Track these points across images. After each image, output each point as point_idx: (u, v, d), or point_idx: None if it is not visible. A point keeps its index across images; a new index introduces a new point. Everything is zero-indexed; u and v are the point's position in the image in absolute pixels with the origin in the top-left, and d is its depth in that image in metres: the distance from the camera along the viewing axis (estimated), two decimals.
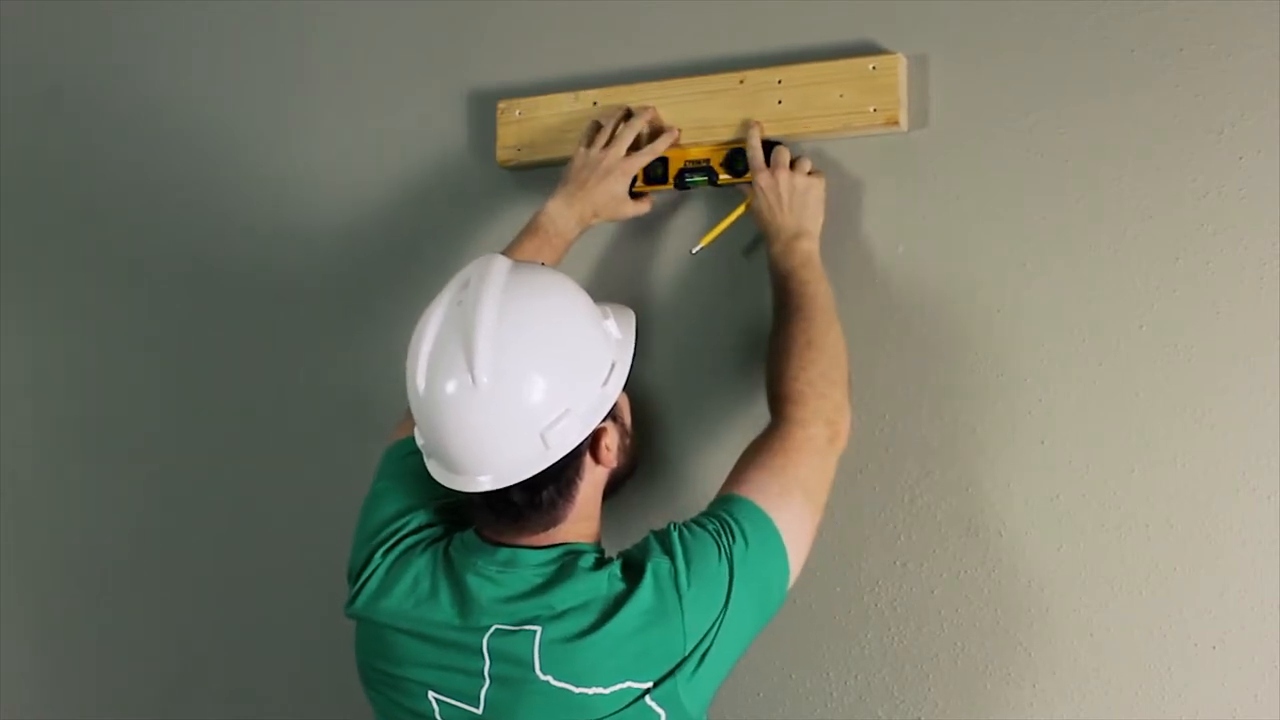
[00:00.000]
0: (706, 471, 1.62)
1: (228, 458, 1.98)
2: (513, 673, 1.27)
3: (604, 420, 1.30)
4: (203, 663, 2.00)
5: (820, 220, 1.55)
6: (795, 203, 1.53)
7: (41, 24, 2.15)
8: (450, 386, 1.25)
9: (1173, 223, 1.45)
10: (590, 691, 1.24)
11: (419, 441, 1.33)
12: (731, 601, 1.27)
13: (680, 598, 1.25)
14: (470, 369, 1.23)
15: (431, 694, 1.31)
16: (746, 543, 1.29)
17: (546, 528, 1.31)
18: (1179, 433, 1.44)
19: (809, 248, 1.52)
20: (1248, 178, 1.42)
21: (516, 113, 1.74)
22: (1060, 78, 1.50)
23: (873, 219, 1.57)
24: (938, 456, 1.53)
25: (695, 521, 1.31)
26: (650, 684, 1.25)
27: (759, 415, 1.61)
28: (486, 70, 1.81)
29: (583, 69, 1.73)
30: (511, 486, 1.27)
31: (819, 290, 1.48)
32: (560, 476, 1.28)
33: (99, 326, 2.08)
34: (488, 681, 1.28)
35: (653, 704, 1.25)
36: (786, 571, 1.32)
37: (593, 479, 1.32)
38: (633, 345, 1.35)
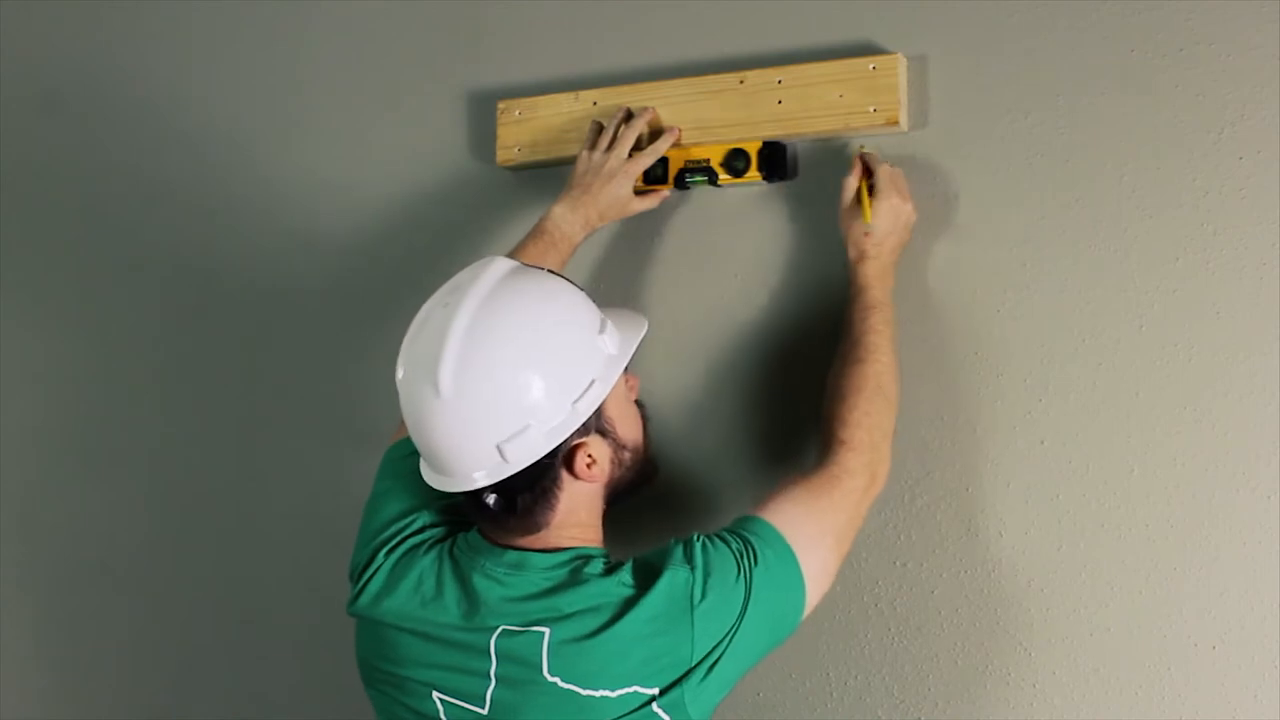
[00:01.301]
0: (706, 475, 1.62)
1: (228, 459, 1.98)
2: (520, 674, 1.27)
3: (583, 435, 1.28)
4: (203, 663, 1.99)
5: (899, 248, 1.52)
6: (903, 237, 1.52)
7: (41, 24, 2.15)
8: (420, 390, 1.26)
9: (1173, 222, 1.45)
10: (597, 694, 1.24)
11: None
12: (744, 624, 1.26)
13: (692, 609, 1.25)
14: (434, 378, 1.24)
15: (436, 694, 1.31)
16: (768, 572, 1.28)
17: (530, 532, 1.30)
18: (1179, 433, 1.43)
19: (891, 284, 1.50)
20: (1248, 178, 1.42)
21: (516, 113, 1.73)
22: (1060, 78, 1.50)
23: None
24: (938, 456, 1.53)
25: (720, 537, 1.30)
26: (657, 690, 1.24)
27: (757, 417, 1.62)
28: (486, 70, 1.81)
29: (583, 69, 1.73)
30: (485, 490, 1.28)
31: (894, 333, 1.47)
32: (535, 486, 1.28)
33: (99, 327, 2.08)
34: (493, 682, 1.28)
35: (659, 711, 1.25)
36: (802, 609, 1.31)
37: (579, 490, 1.31)
38: (625, 361, 1.31)
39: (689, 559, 1.27)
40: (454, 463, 1.28)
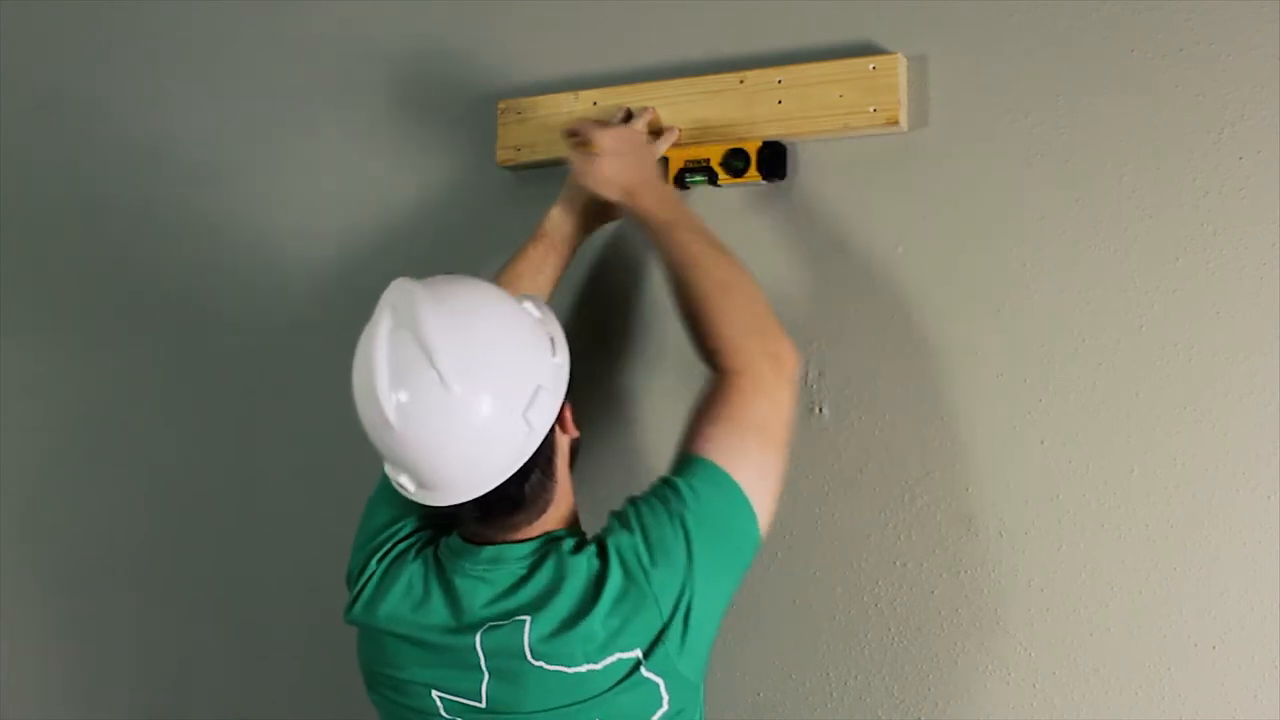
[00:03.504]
0: None
1: (228, 459, 1.98)
2: (508, 664, 1.29)
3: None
4: (203, 663, 2.00)
5: (650, 166, 1.55)
6: (640, 154, 1.54)
7: (41, 24, 2.15)
8: (425, 407, 1.24)
9: (1173, 222, 1.45)
10: (583, 670, 1.27)
11: (394, 478, 1.33)
12: (695, 564, 1.28)
13: (645, 572, 1.27)
14: (443, 383, 1.23)
15: (435, 693, 1.33)
16: (700, 502, 1.30)
17: (537, 516, 1.32)
18: (1179, 433, 1.44)
19: (669, 199, 1.51)
20: (1248, 178, 1.42)
21: (516, 113, 1.74)
22: (1061, 78, 1.50)
23: (873, 219, 1.57)
24: (938, 456, 1.53)
25: (650, 492, 1.33)
26: (639, 653, 1.27)
27: None
28: (486, 70, 1.81)
29: (583, 69, 1.73)
30: (512, 476, 1.28)
31: (702, 226, 1.47)
32: (540, 457, 1.30)
33: (99, 327, 2.08)
34: (486, 676, 1.30)
35: (650, 674, 1.27)
36: (753, 521, 1.32)
37: (563, 452, 1.34)
38: (555, 318, 1.36)
39: (625, 524, 1.30)
40: (484, 459, 1.27)
